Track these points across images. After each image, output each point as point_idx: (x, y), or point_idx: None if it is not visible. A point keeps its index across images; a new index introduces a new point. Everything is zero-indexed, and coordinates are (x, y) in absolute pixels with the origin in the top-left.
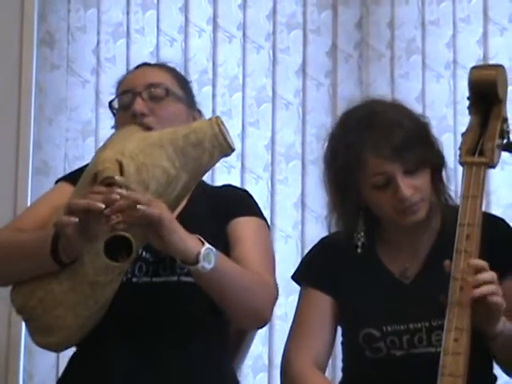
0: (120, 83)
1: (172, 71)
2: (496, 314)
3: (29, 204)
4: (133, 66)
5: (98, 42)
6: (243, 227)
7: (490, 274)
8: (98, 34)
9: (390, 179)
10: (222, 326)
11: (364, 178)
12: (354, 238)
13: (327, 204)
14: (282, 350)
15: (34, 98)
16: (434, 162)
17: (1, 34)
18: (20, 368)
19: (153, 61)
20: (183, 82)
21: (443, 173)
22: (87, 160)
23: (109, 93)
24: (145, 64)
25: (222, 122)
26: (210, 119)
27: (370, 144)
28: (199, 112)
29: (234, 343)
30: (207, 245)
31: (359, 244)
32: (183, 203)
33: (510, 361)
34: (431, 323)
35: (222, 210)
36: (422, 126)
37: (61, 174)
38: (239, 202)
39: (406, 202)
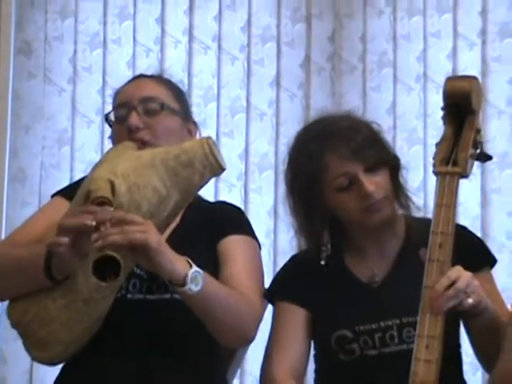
0: (116, 95)
1: (168, 83)
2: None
3: (4, 211)
4: (109, 76)
5: (75, 52)
6: (234, 246)
7: (456, 273)
8: (75, 43)
9: (353, 179)
10: (214, 342)
11: (328, 183)
12: (321, 250)
13: (293, 223)
14: (253, 357)
15: (10, 106)
16: (391, 162)
17: None
18: None
19: (129, 71)
20: (179, 94)
21: (400, 175)
22: (63, 168)
23: (85, 102)
24: (141, 75)
25: (214, 143)
26: (201, 139)
27: (331, 149)
28: (194, 124)
29: (226, 358)
30: (195, 267)
31: (324, 256)
32: (177, 220)
33: (487, 346)
34: (402, 320)
35: (214, 227)
36: (375, 131)
37: (37, 182)
38: (231, 220)
39: (370, 199)
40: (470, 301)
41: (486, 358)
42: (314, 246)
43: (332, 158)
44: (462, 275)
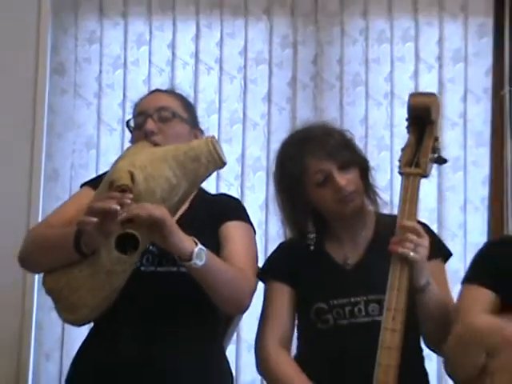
0: (136, 106)
1: (179, 96)
2: (417, 265)
3: (41, 205)
4: (129, 91)
5: (100, 72)
6: (233, 230)
7: (413, 228)
8: (100, 64)
9: (328, 176)
10: (214, 310)
11: (308, 181)
12: (307, 238)
13: (281, 216)
14: (247, 326)
15: (46, 117)
16: (361, 163)
17: (20, 63)
18: (32, 339)
19: (145, 88)
20: (188, 106)
21: (369, 175)
22: (90, 168)
23: (108, 113)
24: (157, 90)
25: (217, 141)
26: (206, 138)
27: (309, 152)
28: (201, 131)
29: (224, 325)
30: (200, 245)
31: (312, 243)
32: (185, 207)
33: (433, 327)
34: (368, 297)
35: (217, 215)
36: (347, 138)
37: (68, 180)
38: (231, 208)
39: (342, 191)
40: (412, 254)
41: (434, 338)
42: (298, 235)
43: (310, 159)
44: (423, 236)
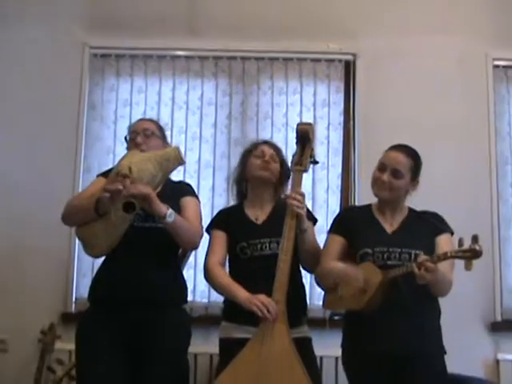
0: (130, 127)
1: (156, 123)
2: (300, 216)
3: (80, 189)
4: (133, 120)
5: (116, 108)
6: (188, 202)
7: (301, 196)
8: (116, 104)
9: (262, 152)
10: (177, 248)
11: (252, 154)
12: (235, 202)
13: (232, 182)
14: (200, 261)
15: (84, 136)
16: (280, 161)
17: (68, 102)
18: (75, 264)
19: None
20: (161, 128)
21: (284, 171)
22: (109, 164)
23: (121, 134)
24: (142, 118)
25: (180, 149)
26: (173, 147)
27: (255, 145)
28: (168, 144)
29: (182, 257)
30: (170, 209)
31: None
32: (159, 189)
33: (307, 257)
34: (271, 239)
35: (177, 193)
36: (277, 148)
37: (96, 173)
38: (186, 189)
39: (265, 157)
40: (302, 211)
41: (308, 264)
42: (236, 197)
43: (256, 146)
44: (304, 202)
